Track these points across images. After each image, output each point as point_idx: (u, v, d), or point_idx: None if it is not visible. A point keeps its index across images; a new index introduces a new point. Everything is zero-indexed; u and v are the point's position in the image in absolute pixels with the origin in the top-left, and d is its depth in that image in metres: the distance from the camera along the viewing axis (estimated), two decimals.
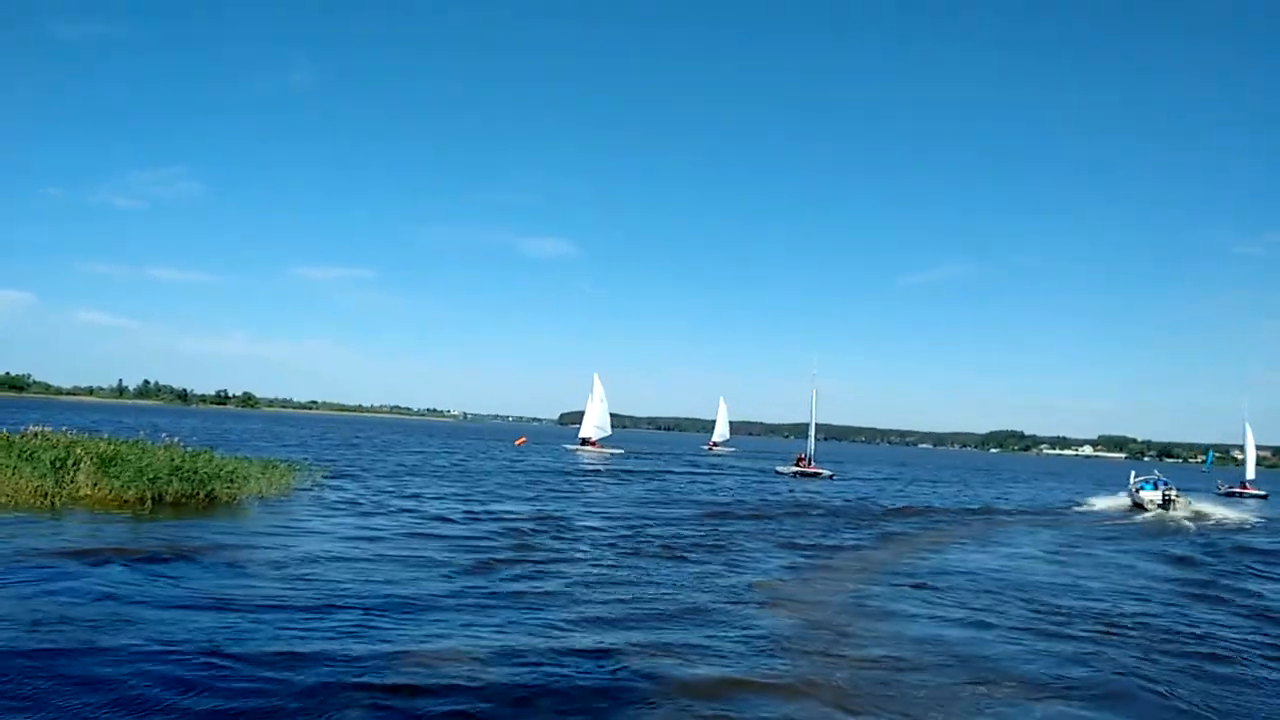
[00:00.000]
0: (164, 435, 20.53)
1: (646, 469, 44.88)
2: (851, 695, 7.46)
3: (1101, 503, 35.52)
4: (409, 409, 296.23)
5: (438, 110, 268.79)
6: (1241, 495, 50.79)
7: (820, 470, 45.99)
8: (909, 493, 38.74)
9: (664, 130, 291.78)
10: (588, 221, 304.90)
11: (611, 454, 58.57)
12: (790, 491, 34.06)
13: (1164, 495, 32.88)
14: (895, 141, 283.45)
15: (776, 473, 47.14)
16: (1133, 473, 37.90)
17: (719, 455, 75.15)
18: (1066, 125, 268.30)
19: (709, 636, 9.24)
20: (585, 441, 60.94)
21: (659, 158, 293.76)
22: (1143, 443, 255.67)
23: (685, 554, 15.11)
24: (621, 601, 10.81)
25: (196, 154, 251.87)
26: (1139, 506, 33.17)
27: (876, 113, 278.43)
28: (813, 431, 49.02)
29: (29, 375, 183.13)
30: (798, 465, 46.72)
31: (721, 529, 19.53)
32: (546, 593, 11.11)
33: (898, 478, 53.62)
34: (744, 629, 9.70)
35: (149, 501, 16.19)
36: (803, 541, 18.17)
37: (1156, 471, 37.24)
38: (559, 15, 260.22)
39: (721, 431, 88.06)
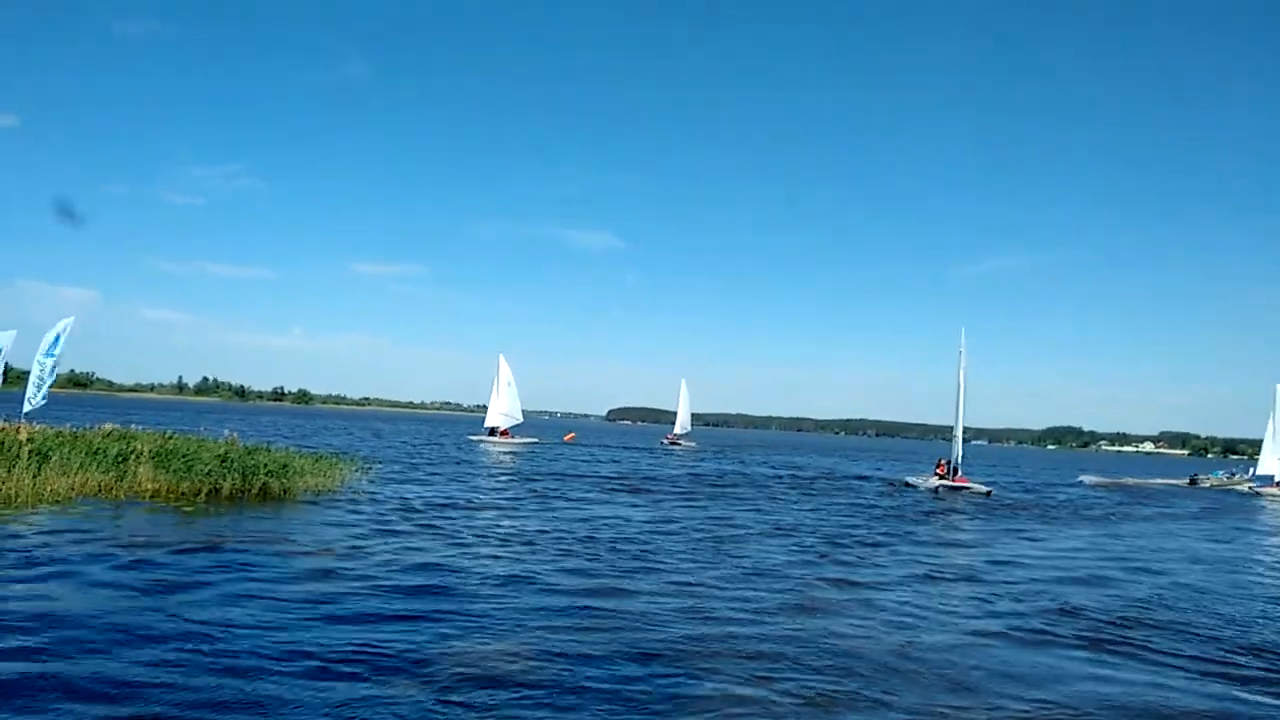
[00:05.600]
0: (225, 431, 21.10)
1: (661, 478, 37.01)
2: None
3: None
4: (459, 405, 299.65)
5: (486, 104, 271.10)
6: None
7: (971, 484, 34.02)
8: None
9: (708, 123, 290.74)
10: (634, 215, 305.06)
11: (525, 444, 53.26)
12: None
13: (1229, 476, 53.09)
14: (948, 134, 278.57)
15: (906, 485, 35.70)
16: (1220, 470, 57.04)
17: (682, 449, 65.96)
18: (1126, 120, 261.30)
19: None
20: (493, 431, 54.20)
21: (703, 151, 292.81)
22: (1206, 439, 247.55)
23: None
24: None
25: (254, 149, 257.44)
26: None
27: (932, 105, 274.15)
28: (960, 430, 35.05)
29: (92, 372, 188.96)
30: (938, 474, 34.53)
31: None
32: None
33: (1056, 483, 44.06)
34: None
35: (205, 495, 16.72)
36: None
37: (1231, 468, 57.27)
38: (606, 9, 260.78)
39: (683, 422, 74.60)
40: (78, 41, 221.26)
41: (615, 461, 43.22)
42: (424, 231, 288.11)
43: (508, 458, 40.77)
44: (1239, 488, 49.35)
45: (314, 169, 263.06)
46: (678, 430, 73.80)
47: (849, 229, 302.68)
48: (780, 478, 37.95)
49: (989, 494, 32.50)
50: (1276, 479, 47.72)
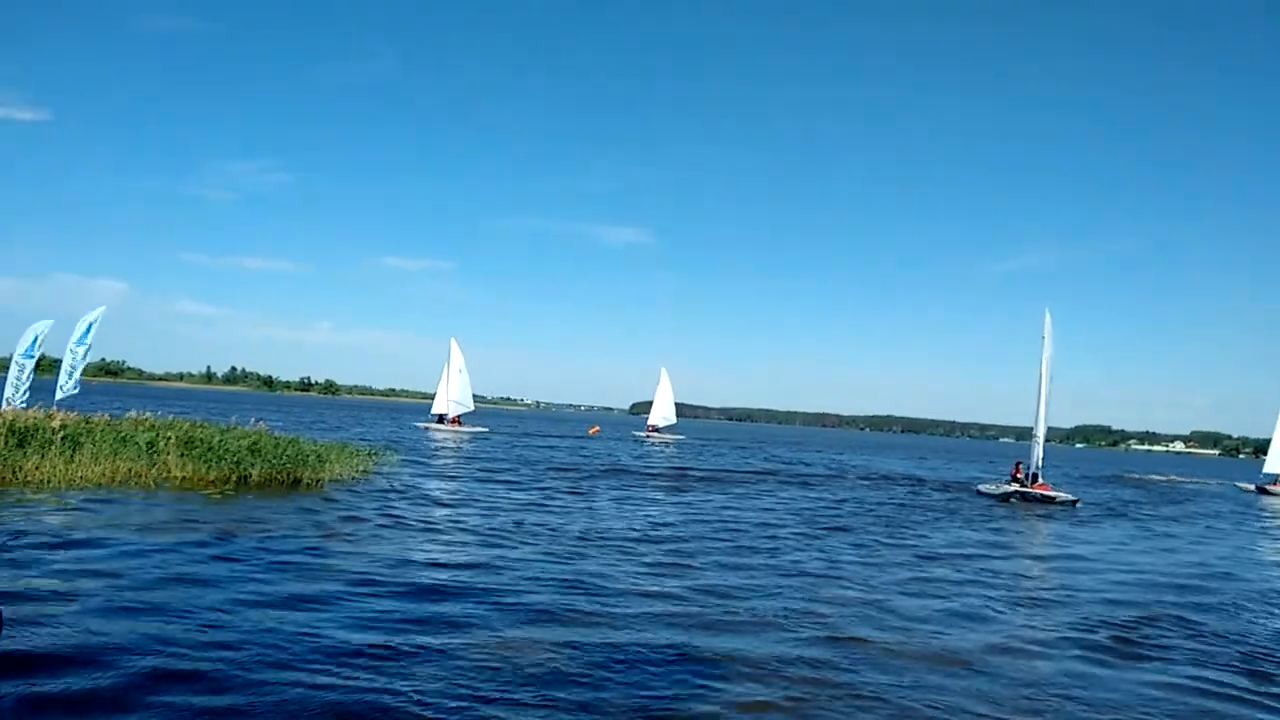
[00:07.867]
0: (253, 420, 21.21)
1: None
2: None
3: None
4: (484, 397, 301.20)
5: (514, 99, 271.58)
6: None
7: (1054, 492, 28.43)
8: None
9: (736, 119, 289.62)
10: (663, 211, 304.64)
11: (475, 432, 52.10)
12: None
13: None
14: (977, 130, 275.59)
15: (978, 493, 30.88)
16: None
17: (659, 442, 60.56)
18: (1159, 117, 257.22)
19: None
20: (442, 419, 52.40)
21: (731, 146, 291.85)
22: (1238, 439, 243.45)
23: None
24: None
25: (286, 145, 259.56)
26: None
27: (962, 100, 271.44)
28: (1041, 430, 29.61)
29: (123, 361, 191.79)
30: (1015, 480, 29.69)
31: None
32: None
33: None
34: None
35: (235, 482, 16.81)
36: None
37: None
38: (635, 5, 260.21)
39: (664, 413, 67.01)
40: (110, 38, 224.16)
41: (608, 454, 42.15)
42: (452, 227, 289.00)
43: (471, 445, 40.78)
44: None
45: (344, 164, 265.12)
46: (657, 421, 67.20)
47: (876, 225, 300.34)
48: (752, 477, 36.49)
49: (1076, 504, 27.94)
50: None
